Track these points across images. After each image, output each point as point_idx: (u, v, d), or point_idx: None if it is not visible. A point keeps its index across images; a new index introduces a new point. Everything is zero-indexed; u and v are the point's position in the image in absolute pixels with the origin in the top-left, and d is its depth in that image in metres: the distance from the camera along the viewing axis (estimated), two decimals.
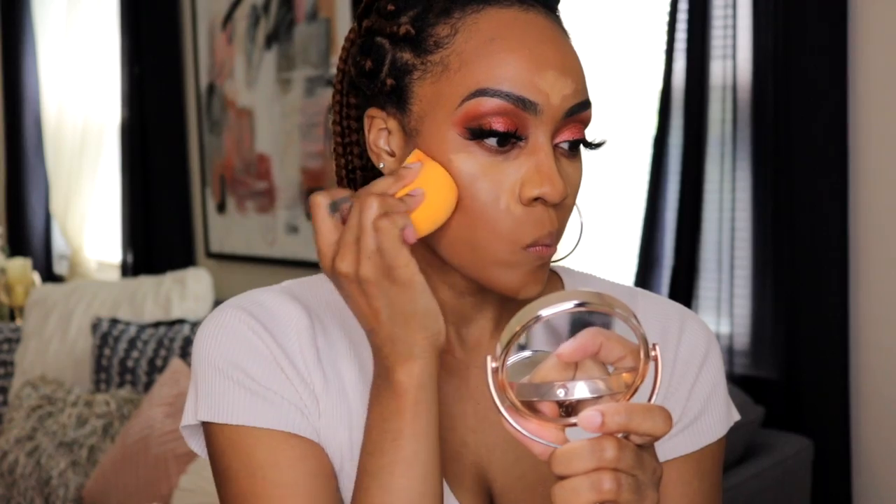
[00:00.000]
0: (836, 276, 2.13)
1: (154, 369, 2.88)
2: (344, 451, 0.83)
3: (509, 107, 0.75)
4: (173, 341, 2.89)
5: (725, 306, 2.30)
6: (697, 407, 0.89)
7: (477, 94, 0.76)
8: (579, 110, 0.78)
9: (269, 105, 3.38)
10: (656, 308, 0.91)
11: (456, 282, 0.84)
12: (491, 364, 0.65)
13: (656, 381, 0.66)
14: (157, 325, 3.00)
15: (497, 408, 0.65)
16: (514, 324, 0.64)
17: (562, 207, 0.79)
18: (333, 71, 3.14)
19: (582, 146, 0.81)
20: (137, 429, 2.51)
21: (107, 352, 2.98)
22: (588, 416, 0.62)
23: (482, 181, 0.77)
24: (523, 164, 0.77)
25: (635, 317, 0.65)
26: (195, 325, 2.93)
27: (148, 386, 2.87)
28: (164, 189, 3.82)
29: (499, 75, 0.76)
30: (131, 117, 3.83)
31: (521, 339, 0.66)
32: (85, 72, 4.16)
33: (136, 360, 2.93)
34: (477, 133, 0.76)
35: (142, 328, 2.99)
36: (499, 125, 0.76)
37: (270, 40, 3.35)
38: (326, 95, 3.18)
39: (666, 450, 0.88)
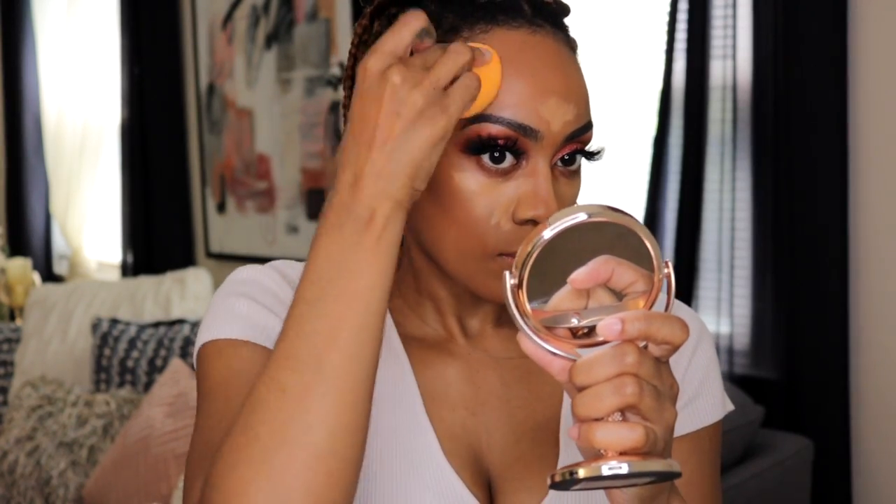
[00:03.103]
0: (836, 276, 2.13)
1: (154, 369, 2.88)
2: None
3: (510, 133, 0.76)
4: (173, 341, 2.89)
5: (725, 306, 2.30)
6: (692, 390, 0.90)
7: (480, 119, 0.77)
8: (580, 134, 0.79)
9: (269, 105, 3.38)
10: None
11: (455, 280, 0.86)
12: (510, 280, 0.65)
13: (670, 296, 0.67)
14: (157, 325, 3.00)
15: (518, 324, 0.66)
16: (527, 243, 0.65)
17: None
18: (333, 71, 3.15)
19: (582, 157, 0.82)
20: (137, 429, 2.52)
21: (107, 352, 2.98)
22: (608, 323, 0.63)
23: (480, 198, 0.78)
24: (521, 186, 0.78)
25: (644, 228, 0.65)
26: (195, 325, 2.93)
27: (148, 386, 2.87)
28: (164, 189, 3.82)
29: (501, 101, 0.76)
30: (131, 117, 3.83)
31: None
32: (85, 72, 4.16)
33: (136, 360, 2.93)
34: (477, 146, 0.77)
35: (142, 328, 2.99)
36: (500, 142, 0.77)
37: (270, 40, 3.35)
38: (326, 95, 3.18)
39: None
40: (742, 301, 2.30)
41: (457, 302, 0.88)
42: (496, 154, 0.77)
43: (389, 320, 0.89)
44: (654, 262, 0.66)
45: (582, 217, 0.64)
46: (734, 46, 2.23)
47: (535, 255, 0.65)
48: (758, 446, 2.06)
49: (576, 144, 0.79)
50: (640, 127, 2.51)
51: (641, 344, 0.64)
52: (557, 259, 0.66)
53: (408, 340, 0.89)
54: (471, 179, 0.78)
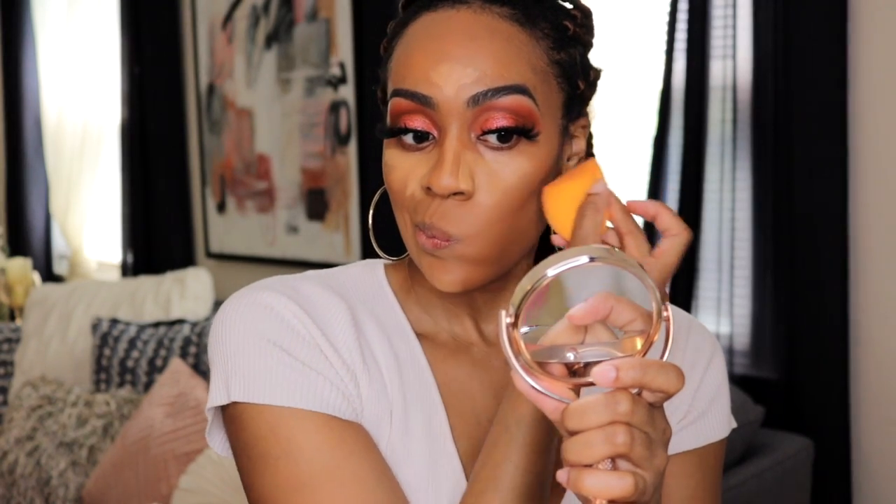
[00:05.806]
0: (836, 276, 2.13)
1: (154, 369, 2.88)
2: (382, 445, 0.82)
3: (410, 104, 0.78)
4: (173, 341, 2.89)
5: (725, 306, 2.30)
6: (702, 405, 0.90)
7: (392, 95, 0.80)
8: (489, 98, 0.76)
9: (269, 105, 3.38)
10: None
11: None
12: (506, 319, 0.64)
13: (668, 341, 0.66)
14: (157, 325, 3.00)
15: (511, 363, 0.64)
16: (526, 282, 0.64)
17: (472, 204, 0.78)
18: (333, 71, 3.14)
19: (522, 137, 0.78)
20: (137, 429, 2.52)
21: (107, 352, 2.98)
22: (602, 370, 0.62)
23: (397, 171, 0.80)
24: (433, 157, 0.79)
25: (645, 273, 0.64)
26: (195, 325, 2.93)
27: (148, 386, 2.87)
28: (164, 189, 3.82)
29: (404, 75, 0.79)
30: (131, 117, 3.83)
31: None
32: (85, 72, 4.16)
33: (136, 360, 2.93)
34: (394, 131, 0.80)
35: (142, 328, 2.99)
36: (410, 123, 0.78)
37: (270, 40, 3.35)
38: (326, 95, 3.18)
39: (670, 445, 0.88)
40: (742, 301, 2.30)
41: (471, 302, 0.87)
42: (419, 133, 0.79)
43: (407, 322, 0.88)
44: (654, 306, 0.65)
45: (584, 260, 0.63)
46: (734, 46, 2.23)
47: (532, 296, 0.64)
48: (758, 446, 2.06)
49: (498, 112, 0.77)
50: (640, 127, 2.50)
51: (635, 390, 0.63)
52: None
53: (427, 344, 0.87)
54: (392, 155, 0.81)
